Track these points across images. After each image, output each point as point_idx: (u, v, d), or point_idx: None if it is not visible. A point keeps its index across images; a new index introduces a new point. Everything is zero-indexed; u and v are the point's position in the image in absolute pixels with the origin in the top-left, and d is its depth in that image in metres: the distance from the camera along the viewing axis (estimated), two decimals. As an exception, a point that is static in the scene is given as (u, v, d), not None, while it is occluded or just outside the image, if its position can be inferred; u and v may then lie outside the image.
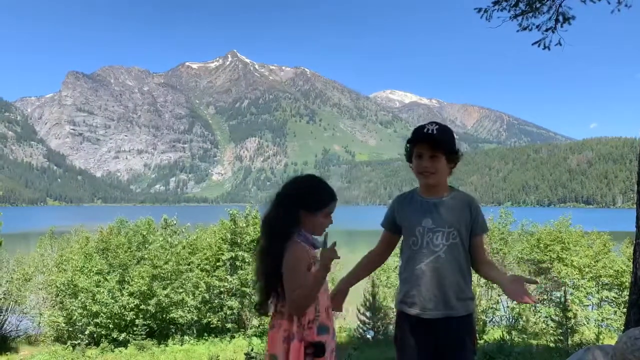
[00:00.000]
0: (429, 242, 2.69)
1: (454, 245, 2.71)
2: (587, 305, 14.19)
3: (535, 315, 14.07)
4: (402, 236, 2.87)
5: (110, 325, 13.91)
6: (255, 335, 13.95)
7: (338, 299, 2.84)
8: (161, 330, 14.72)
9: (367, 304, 12.83)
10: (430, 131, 2.69)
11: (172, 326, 14.92)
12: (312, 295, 2.38)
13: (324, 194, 2.56)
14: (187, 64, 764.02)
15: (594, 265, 14.29)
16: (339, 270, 17.19)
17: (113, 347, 13.48)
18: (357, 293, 12.87)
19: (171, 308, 14.34)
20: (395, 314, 2.86)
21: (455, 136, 2.84)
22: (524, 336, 12.24)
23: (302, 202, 2.47)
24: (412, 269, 2.72)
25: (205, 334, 14.80)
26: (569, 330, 9.53)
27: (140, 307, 14.10)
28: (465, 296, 2.72)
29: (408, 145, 2.80)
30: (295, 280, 2.37)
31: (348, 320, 14.38)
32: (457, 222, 2.71)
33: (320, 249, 2.43)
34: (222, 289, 15.21)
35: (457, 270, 2.71)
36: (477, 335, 10.89)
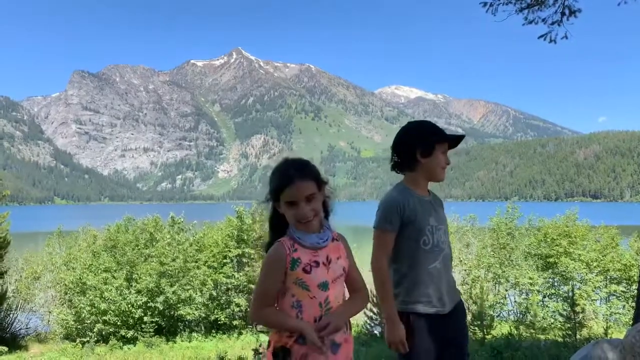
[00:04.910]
0: (438, 240, 2.76)
1: (448, 241, 2.88)
2: (595, 300, 14.15)
3: (543, 310, 14.04)
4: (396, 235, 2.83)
5: (119, 323, 13.99)
6: (263, 332, 13.99)
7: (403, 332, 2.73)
8: (169, 327, 14.80)
9: (375, 299, 12.84)
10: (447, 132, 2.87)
11: (180, 323, 15.00)
12: (265, 324, 2.19)
13: (273, 181, 2.17)
14: (192, 61, 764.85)
15: (602, 259, 14.24)
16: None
17: (122, 344, 13.57)
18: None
19: (179, 305, 14.41)
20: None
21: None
22: (532, 331, 12.23)
23: (270, 193, 2.20)
24: (424, 268, 2.73)
25: (213, 331, 14.87)
26: (577, 324, 9.50)
27: (148, 304, 14.18)
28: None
29: (433, 141, 2.80)
30: (257, 287, 2.18)
31: (355, 316, 14.42)
32: (446, 219, 2.91)
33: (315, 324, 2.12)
34: (229, 286, 15.27)
35: (451, 264, 2.91)
36: (485, 330, 10.88)
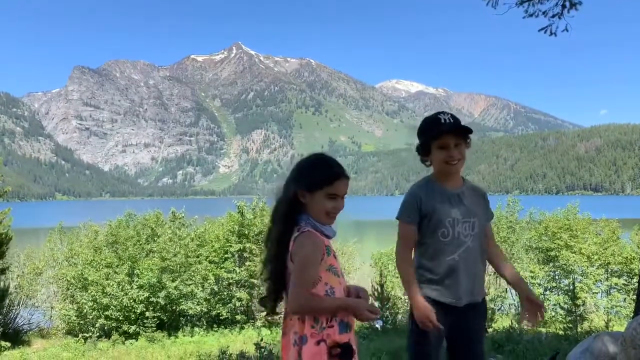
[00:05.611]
0: (459, 232, 2.77)
1: (478, 235, 2.83)
2: (596, 293, 14.16)
3: (544, 303, 14.06)
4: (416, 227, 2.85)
5: (121, 318, 14.01)
6: (265, 326, 14.03)
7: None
8: (171, 322, 14.83)
9: (376, 293, 12.86)
10: (449, 121, 2.78)
11: (181, 318, 15.03)
12: (313, 311, 2.15)
13: (322, 171, 2.22)
14: (192, 56, 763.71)
15: (603, 253, 14.24)
16: (347, 261, 17.24)
17: (124, 339, 13.60)
18: (365, 283, 12.90)
19: (180, 300, 14.43)
20: (406, 303, 2.87)
21: None
22: (533, 324, 12.23)
23: (299, 180, 2.23)
24: (442, 260, 2.76)
25: (215, 326, 14.90)
26: (578, 317, 9.53)
27: (150, 299, 14.20)
28: (483, 282, 2.91)
29: (427, 139, 2.82)
30: (303, 276, 2.13)
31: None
32: (478, 212, 2.85)
33: (362, 297, 2.23)
34: (230, 281, 15.29)
35: (480, 259, 2.85)
36: (486, 323, 10.91)
